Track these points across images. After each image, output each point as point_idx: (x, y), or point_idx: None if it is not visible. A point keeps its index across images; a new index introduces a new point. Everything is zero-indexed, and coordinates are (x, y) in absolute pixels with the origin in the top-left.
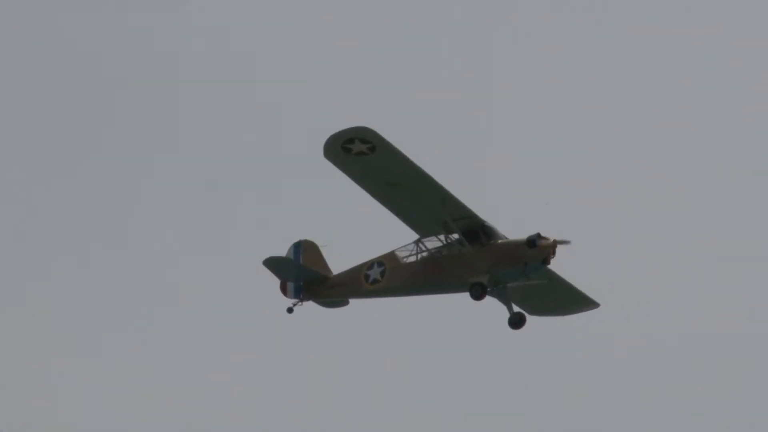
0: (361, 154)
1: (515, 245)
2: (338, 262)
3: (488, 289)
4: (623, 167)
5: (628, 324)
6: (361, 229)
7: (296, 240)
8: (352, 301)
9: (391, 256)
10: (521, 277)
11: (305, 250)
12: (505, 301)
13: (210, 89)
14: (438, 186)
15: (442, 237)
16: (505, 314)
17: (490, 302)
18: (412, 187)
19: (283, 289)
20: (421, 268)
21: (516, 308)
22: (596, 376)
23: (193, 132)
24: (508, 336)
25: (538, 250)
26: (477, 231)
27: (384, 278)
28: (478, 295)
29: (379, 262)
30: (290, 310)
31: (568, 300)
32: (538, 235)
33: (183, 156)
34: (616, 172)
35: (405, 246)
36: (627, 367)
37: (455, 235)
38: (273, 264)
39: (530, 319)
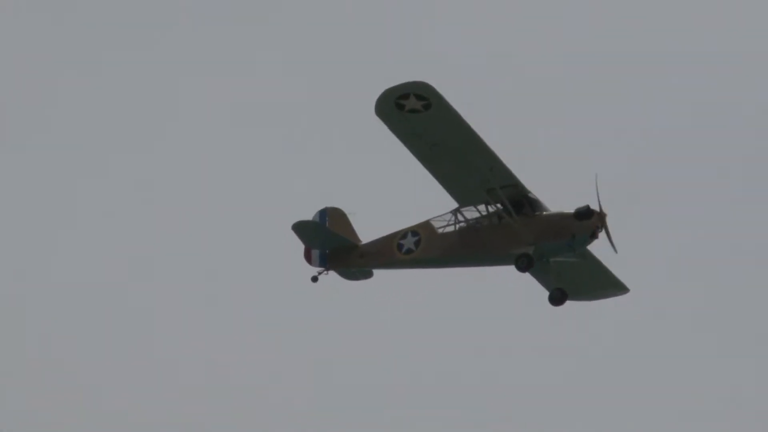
0: (414, 112)
1: (563, 217)
2: (364, 231)
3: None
4: (661, 150)
5: (657, 310)
6: (390, 198)
7: (321, 207)
8: (376, 274)
9: (427, 225)
10: (567, 250)
11: (331, 217)
12: (546, 276)
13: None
14: (490, 151)
15: (481, 207)
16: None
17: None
18: (461, 150)
19: (308, 257)
20: (460, 238)
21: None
22: (622, 362)
23: (221, 88)
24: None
25: (588, 222)
26: (522, 201)
27: (419, 248)
28: (524, 267)
29: (414, 231)
30: (315, 279)
31: (599, 283)
32: (588, 207)
33: (208, 113)
34: (654, 156)
35: (441, 216)
36: (655, 354)
37: (498, 205)
38: (302, 229)
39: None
